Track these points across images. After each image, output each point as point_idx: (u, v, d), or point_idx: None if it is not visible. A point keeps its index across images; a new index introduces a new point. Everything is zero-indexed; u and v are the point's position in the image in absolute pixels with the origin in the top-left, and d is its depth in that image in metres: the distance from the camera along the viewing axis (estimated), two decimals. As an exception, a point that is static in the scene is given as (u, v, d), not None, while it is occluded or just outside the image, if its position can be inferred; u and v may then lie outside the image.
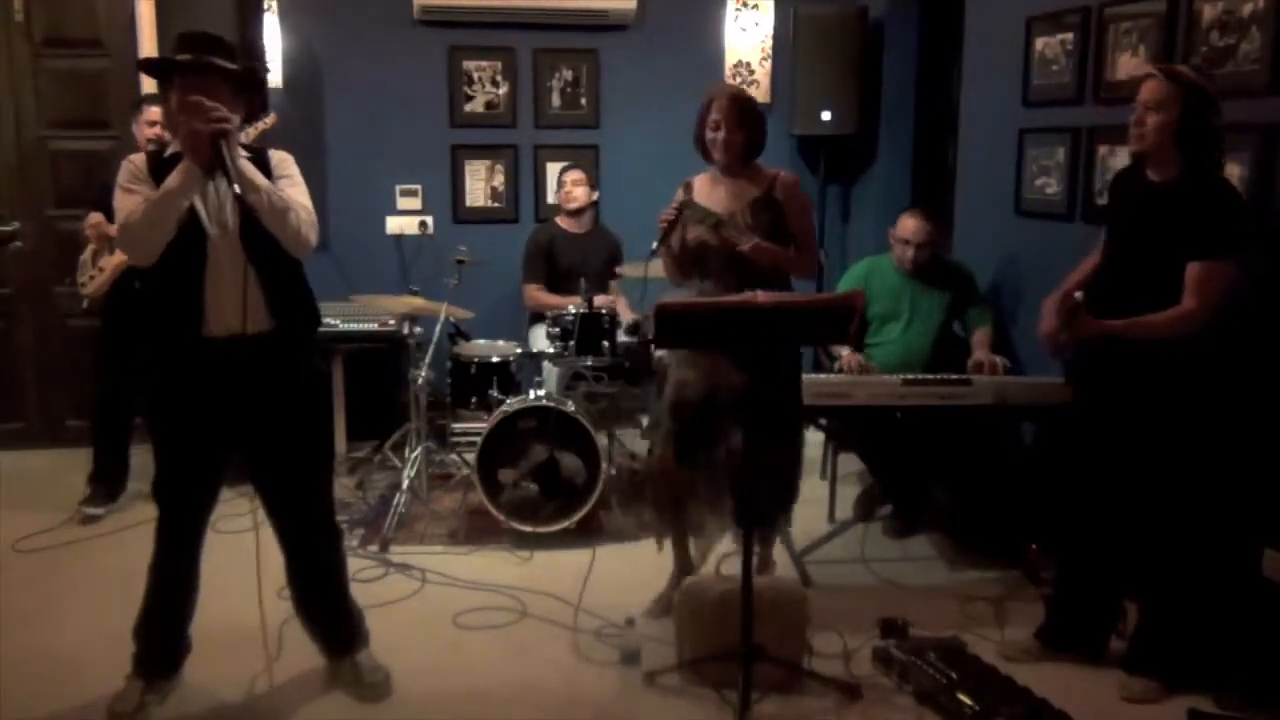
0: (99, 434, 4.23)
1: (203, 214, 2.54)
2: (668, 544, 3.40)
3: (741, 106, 3.19)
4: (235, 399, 2.60)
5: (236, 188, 2.41)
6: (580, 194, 4.85)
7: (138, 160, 2.59)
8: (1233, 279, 2.71)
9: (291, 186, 2.64)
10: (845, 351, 3.98)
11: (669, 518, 3.34)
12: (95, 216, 3.98)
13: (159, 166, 2.54)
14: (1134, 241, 2.85)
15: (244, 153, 2.56)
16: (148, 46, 4.78)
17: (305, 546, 2.82)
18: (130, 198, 2.50)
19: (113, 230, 3.90)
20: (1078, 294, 2.83)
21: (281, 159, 2.70)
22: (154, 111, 4.07)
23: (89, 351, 4.46)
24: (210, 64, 2.50)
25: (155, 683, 2.78)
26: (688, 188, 3.31)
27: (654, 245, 3.22)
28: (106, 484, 4.20)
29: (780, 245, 3.20)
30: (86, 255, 4.07)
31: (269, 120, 4.24)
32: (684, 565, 3.42)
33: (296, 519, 2.79)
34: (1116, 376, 2.83)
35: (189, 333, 2.55)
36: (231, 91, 2.54)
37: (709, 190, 3.28)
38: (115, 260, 3.95)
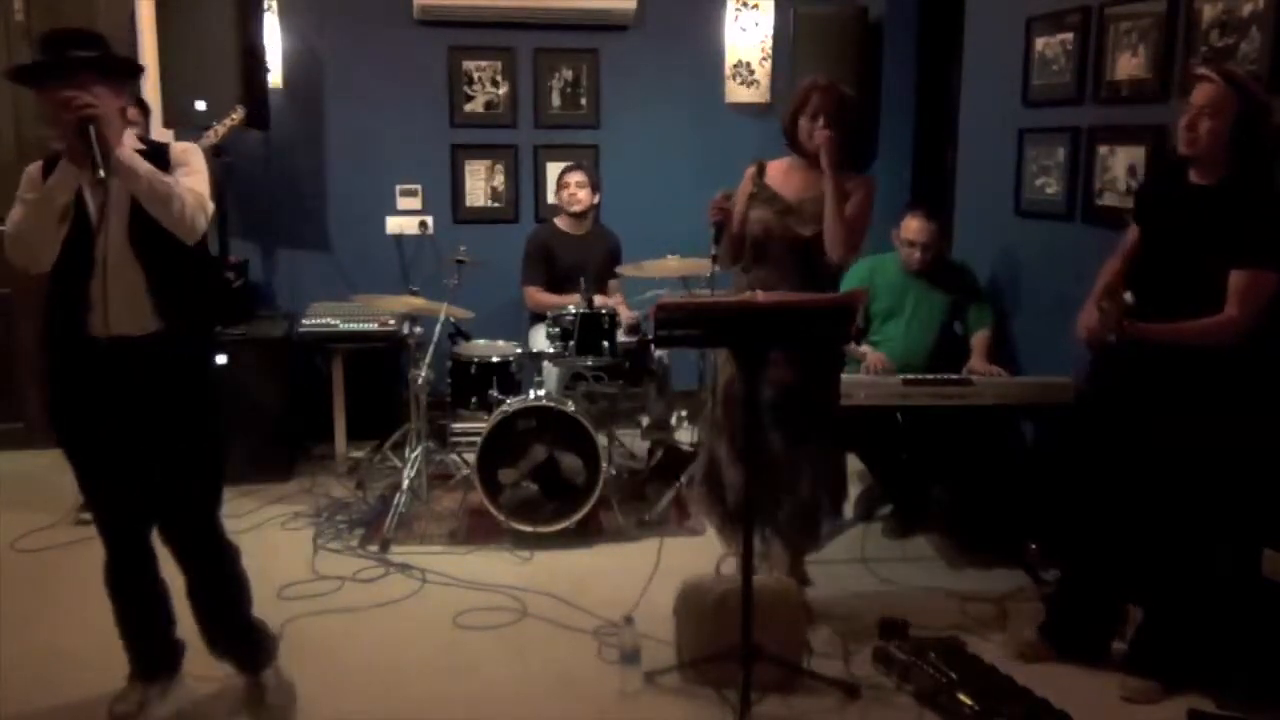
0: None
1: (91, 211, 2.44)
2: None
3: (840, 98, 3.13)
4: (121, 403, 2.48)
5: (102, 172, 2.29)
6: (584, 196, 4.82)
7: (33, 169, 2.49)
8: (1278, 289, 2.63)
9: (187, 175, 2.52)
10: (866, 349, 3.98)
11: (723, 511, 3.31)
12: None
13: (52, 171, 2.42)
14: (1174, 245, 2.77)
15: (139, 144, 2.50)
16: (148, 46, 4.77)
17: (196, 563, 2.68)
18: (17, 208, 2.43)
19: None
20: (1128, 295, 2.72)
21: (184, 150, 2.61)
22: (130, 112, 4.04)
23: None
24: (70, 59, 2.37)
25: (155, 683, 2.78)
26: (761, 169, 3.27)
27: (712, 236, 3.20)
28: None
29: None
30: None
31: (237, 116, 4.19)
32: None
33: (184, 533, 2.65)
34: (1137, 378, 2.78)
35: (74, 334, 2.45)
36: (110, 86, 2.42)
37: (783, 177, 3.24)
38: None
